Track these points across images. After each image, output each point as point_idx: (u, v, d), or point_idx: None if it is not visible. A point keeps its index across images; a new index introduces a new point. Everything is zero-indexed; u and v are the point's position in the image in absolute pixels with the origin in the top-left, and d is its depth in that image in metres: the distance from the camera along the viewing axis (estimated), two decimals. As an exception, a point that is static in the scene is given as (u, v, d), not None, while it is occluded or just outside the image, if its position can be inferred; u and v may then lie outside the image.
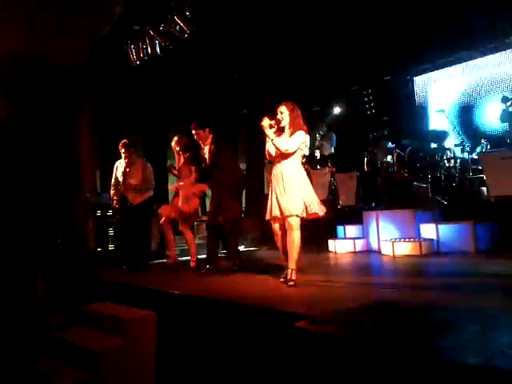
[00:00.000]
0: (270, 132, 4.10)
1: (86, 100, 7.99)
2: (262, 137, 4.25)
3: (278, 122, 4.13)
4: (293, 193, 4.00)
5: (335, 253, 6.47)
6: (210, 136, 5.19)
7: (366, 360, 2.13)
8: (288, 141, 4.08)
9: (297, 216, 3.97)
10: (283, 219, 4.06)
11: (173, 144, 5.83)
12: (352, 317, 2.79)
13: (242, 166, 10.40)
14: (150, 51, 7.98)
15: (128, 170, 5.78)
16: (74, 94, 7.63)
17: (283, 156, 4.09)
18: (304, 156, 4.24)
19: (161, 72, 9.08)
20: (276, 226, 4.19)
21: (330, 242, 6.68)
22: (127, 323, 3.11)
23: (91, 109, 8.63)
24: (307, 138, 9.53)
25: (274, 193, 4.11)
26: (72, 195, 7.03)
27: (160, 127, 10.56)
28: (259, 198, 10.26)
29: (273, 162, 4.25)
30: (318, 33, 7.87)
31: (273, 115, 4.18)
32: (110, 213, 6.88)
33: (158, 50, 7.90)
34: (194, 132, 5.21)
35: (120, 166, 5.89)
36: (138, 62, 8.24)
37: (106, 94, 8.78)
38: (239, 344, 3.16)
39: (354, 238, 6.65)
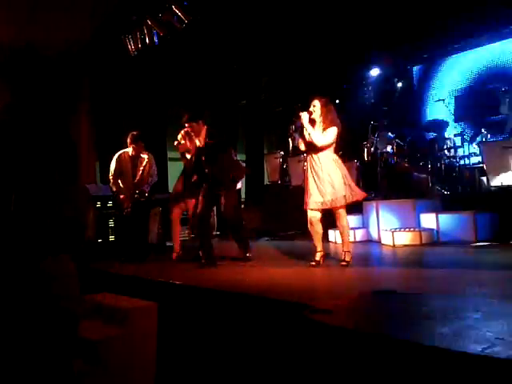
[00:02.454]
0: (307, 124, 4.31)
1: (84, 89, 7.94)
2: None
3: (310, 113, 4.34)
4: (336, 184, 4.21)
5: (335, 243, 6.47)
6: (204, 128, 5.09)
7: (366, 349, 2.14)
8: (322, 136, 4.27)
9: (342, 206, 4.26)
10: (327, 209, 4.31)
11: (180, 137, 5.63)
12: (352, 306, 2.79)
13: (242, 156, 10.41)
14: (147, 41, 7.92)
15: (140, 163, 5.78)
16: (71, 83, 7.58)
17: (318, 148, 4.28)
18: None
19: (159, 62, 9.02)
20: (315, 215, 4.35)
21: (331, 232, 6.68)
22: (128, 313, 3.10)
23: (89, 99, 8.58)
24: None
25: (316, 182, 4.27)
26: (71, 186, 7.00)
27: (159, 117, 10.51)
28: (259, 188, 10.27)
29: (306, 152, 4.47)
30: (315, 21, 7.81)
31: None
32: (109, 204, 6.86)
33: (156, 40, 7.84)
34: (187, 125, 5.06)
35: (126, 157, 5.82)
36: (135, 53, 8.18)
37: (104, 84, 8.73)
38: (243, 334, 3.17)
39: (353, 228, 6.62)
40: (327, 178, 4.22)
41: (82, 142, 7.96)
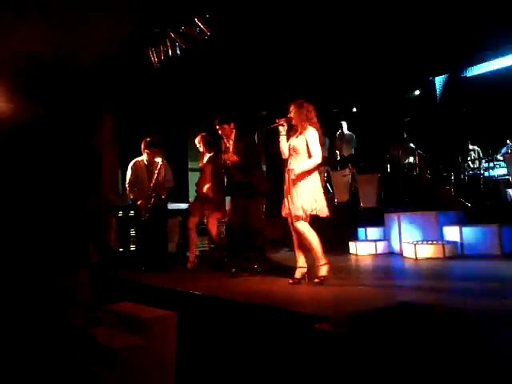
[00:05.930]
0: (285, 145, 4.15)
1: (108, 101, 8.09)
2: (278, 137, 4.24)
3: (289, 120, 4.13)
4: (300, 195, 3.99)
5: (356, 255, 6.41)
6: (234, 132, 5.12)
7: (383, 363, 2.10)
8: (312, 156, 3.99)
9: (301, 219, 3.96)
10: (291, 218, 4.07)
11: (196, 141, 5.82)
12: (372, 320, 2.75)
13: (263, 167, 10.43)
14: (170, 53, 8.04)
15: (155, 168, 5.83)
16: (97, 94, 7.74)
17: (295, 155, 4.07)
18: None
19: (182, 73, 9.14)
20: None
21: (351, 244, 6.62)
22: (148, 323, 3.12)
23: (113, 110, 8.73)
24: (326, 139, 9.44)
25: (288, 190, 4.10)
26: (94, 196, 7.12)
27: (181, 127, 10.63)
28: (279, 199, 10.26)
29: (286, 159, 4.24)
30: (337, 34, 7.82)
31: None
32: (131, 213, 6.94)
33: (179, 52, 7.95)
34: (218, 127, 5.10)
35: (141, 165, 5.90)
36: (158, 65, 8.31)
37: (128, 94, 8.89)
38: (258, 344, 3.15)
39: (375, 241, 6.57)
40: (297, 190, 3.99)
41: (105, 151, 8.10)
